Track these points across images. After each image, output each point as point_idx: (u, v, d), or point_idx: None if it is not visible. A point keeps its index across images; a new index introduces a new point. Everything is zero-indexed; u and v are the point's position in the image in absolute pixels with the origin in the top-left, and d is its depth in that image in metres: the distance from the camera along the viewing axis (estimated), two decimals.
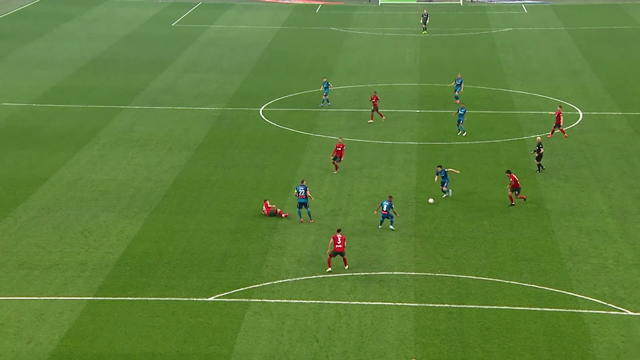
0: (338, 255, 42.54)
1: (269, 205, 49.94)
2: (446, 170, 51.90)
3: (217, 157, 59.97)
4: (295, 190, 48.94)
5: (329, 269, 42.49)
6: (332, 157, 56.77)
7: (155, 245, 46.14)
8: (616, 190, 53.58)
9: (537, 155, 56.03)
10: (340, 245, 42.16)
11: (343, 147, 56.67)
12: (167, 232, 47.88)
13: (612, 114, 69.66)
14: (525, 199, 50.99)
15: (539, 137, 57.13)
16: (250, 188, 54.12)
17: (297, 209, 48.63)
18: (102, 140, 63.57)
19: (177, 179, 55.94)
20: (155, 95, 75.57)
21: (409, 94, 76.03)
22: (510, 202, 50.75)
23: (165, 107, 71.95)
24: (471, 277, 42.50)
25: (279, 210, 49.74)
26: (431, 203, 50.86)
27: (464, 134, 63.80)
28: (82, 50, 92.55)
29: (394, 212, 47.37)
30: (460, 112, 64.08)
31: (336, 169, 56.68)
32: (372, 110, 66.91)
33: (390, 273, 42.93)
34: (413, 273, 42.89)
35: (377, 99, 66.82)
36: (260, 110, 70.94)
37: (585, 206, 51.38)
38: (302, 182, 49.31)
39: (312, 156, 59.61)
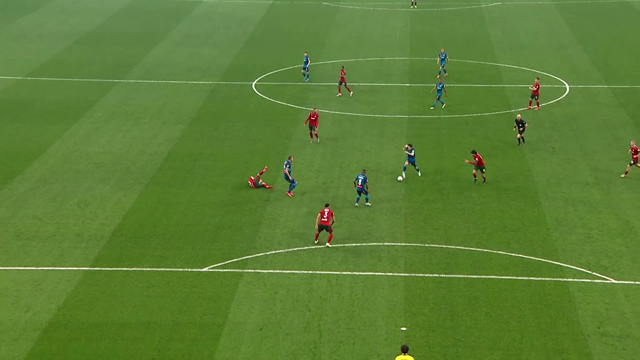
0: (324, 230, 42.59)
1: (252, 178, 50.11)
2: (414, 150, 51.13)
3: (211, 131, 59.99)
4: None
5: (316, 241, 42.63)
6: (306, 124, 57.05)
7: (150, 217, 46.25)
8: (601, 162, 53.81)
9: (521, 129, 56.19)
10: (325, 219, 42.10)
11: (317, 116, 56.92)
12: (162, 204, 47.98)
13: (598, 87, 69.81)
14: (485, 180, 50.33)
15: (519, 115, 57.09)
16: (243, 161, 54.19)
17: None
18: (97, 114, 63.52)
19: (171, 151, 55.98)
20: (149, 68, 75.43)
21: (399, 67, 76.02)
22: (474, 179, 50.46)
23: (159, 81, 71.85)
24: (460, 247, 42.74)
25: (263, 171, 50.03)
26: (400, 181, 50.47)
27: (432, 107, 63.66)
28: (77, 24, 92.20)
29: (367, 187, 46.96)
30: (438, 87, 64.04)
31: (317, 137, 57.00)
32: (339, 84, 67.11)
33: (381, 244, 43.14)
34: (403, 244, 43.11)
35: (344, 73, 67.06)
36: (253, 84, 70.89)
37: (571, 177, 51.62)
38: (289, 158, 49.40)
39: (304, 129, 59.58)
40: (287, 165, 48.52)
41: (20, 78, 72.60)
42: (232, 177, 51.48)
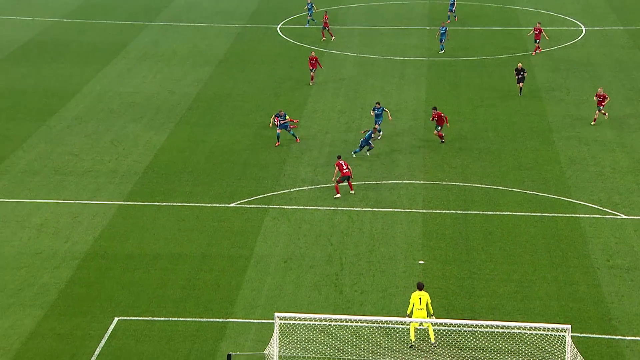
0: (345, 181, 41.37)
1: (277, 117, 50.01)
2: (384, 108, 48.20)
3: (237, 72, 60.10)
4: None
5: (338, 195, 41.47)
6: (311, 68, 56.57)
7: (180, 154, 46.64)
8: (615, 102, 53.52)
9: (520, 77, 54.27)
10: (347, 170, 41.12)
11: (316, 59, 56.65)
12: (191, 142, 48.34)
13: (614, 29, 69.15)
14: (442, 141, 47.37)
15: (520, 64, 55.49)
16: (268, 102, 54.32)
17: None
18: (129, 55, 63.73)
19: (199, 92, 56.21)
20: (178, 12, 75.33)
21: (419, 11, 75.46)
22: (440, 140, 47.90)
23: (188, 24, 71.78)
24: (476, 185, 42.92)
25: (289, 119, 49.86)
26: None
27: (441, 52, 62.99)
28: None
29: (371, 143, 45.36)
30: (441, 30, 63.24)
31: (312, 80, 56.67)
32: (322, 29, 66.53)
33: (400, 182, 43.37)
34: (421, 182, 43.32)
35: (327, 18, 66.47)
36: (278, 27, 70.68)
37: (585, 118, 51.44)
38: (280, 111, 47.81)
39: (326, 72, 59.60)
40: (277, 117, 47.58)
41: (56, 20, 72.76)
42: (258, 117, 51.68)
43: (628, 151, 46.76)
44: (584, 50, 64.07)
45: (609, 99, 50.24)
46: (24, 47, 65.95)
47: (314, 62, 56.47)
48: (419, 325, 29.97)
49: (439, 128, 47.12)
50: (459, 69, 60.33)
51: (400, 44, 66.01)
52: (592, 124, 49.68)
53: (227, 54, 64.03)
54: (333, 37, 66.55)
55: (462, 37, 66.62)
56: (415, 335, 29.66)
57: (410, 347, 29.58)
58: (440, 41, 63.24)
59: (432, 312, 29.92)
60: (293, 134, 47.97)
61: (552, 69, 59.57)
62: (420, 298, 29.72)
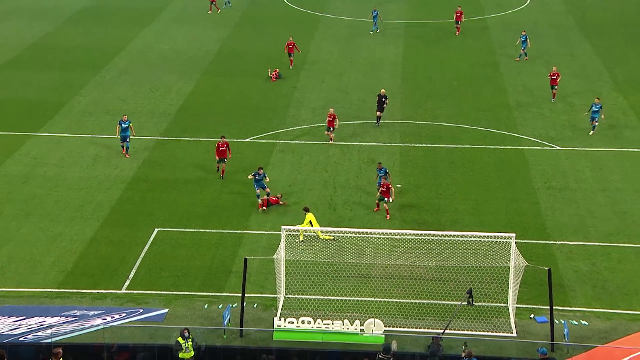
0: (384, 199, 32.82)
1: (273, 76, 48.54)
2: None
3: (251, 32, 59.20)
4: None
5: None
6: (286, 51, 50.35)
7: (205, 99, 46.17)
8: (553, 57, 53.00)
9: (384, 105, 41.12)
10: (386, 182, 32.68)
11: (294, 44, 50.30)
12: (214, 89, 47.81)
13: None
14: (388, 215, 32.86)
15: (383, 90, 42.46)
16: (276, 57, 53.51)
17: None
18: (164, 19, 62.67)
19: (220, 48, 55.40)
20: None
21: None
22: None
23: None
24: (442, 123, 42.62)
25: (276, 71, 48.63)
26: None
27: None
28: None
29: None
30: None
31: (291, 64, 50.69)
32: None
33: (382, 121, 42.99)
34: (399, 121, 42.99)
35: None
36: None
37: (529, 69, 50.93)
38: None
39: (323, 31, 58.83)
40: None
41: None
42: (267, 70, 50.93)
43: (562, 96, 46.37)
44: (529, 15, 63.13)
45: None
46: (80, 12, 64.81)
47: (291, 46, 50.60)
48: (301, 240, 29.79)
49: (385, 200, 32.45)
50: (429, 30, 59.44)
51: (384, 9, 64.83)
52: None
53: (242, 17, 62.98)
54: (218, 10, 63.06)
55: (433, 4, 65.43)
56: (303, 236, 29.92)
57: (301, 241, 29.87)
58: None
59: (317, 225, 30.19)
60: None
61: (503, 30, 58.72)
62: (310, 221, 30.05)
